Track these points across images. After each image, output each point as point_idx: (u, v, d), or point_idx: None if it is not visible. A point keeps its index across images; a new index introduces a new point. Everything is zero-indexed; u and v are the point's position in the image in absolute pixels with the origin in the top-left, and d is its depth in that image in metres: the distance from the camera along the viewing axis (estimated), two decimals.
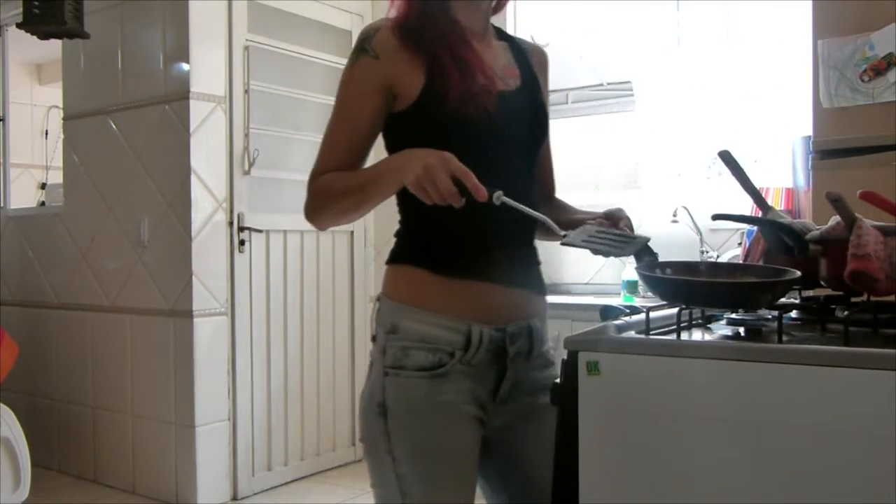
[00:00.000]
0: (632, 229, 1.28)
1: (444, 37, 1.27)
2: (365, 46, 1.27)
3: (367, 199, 1.25)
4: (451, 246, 1.27)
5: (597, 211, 1.32)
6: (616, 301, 2.81)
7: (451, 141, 1.18)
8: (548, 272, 3.38)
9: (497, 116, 1.25)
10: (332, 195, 1.27)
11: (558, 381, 1.08)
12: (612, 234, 1.24)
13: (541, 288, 1.37)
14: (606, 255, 1.23)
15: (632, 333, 1.06)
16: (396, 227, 1.34)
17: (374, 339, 1.30)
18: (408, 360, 1.23)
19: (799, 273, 1.12)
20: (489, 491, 1.37)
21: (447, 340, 1.23)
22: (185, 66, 3.24)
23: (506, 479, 1.35)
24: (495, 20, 1.41)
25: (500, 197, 1.13)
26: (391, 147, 1.30)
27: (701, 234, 3.17)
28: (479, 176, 1.11)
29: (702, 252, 3.15)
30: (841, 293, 1.22)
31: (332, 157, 1.29)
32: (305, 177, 1.31)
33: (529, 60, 1.40)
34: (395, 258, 1.31)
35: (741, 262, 1.82)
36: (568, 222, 1.35)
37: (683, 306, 1.07)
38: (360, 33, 1.30)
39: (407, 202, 1.27)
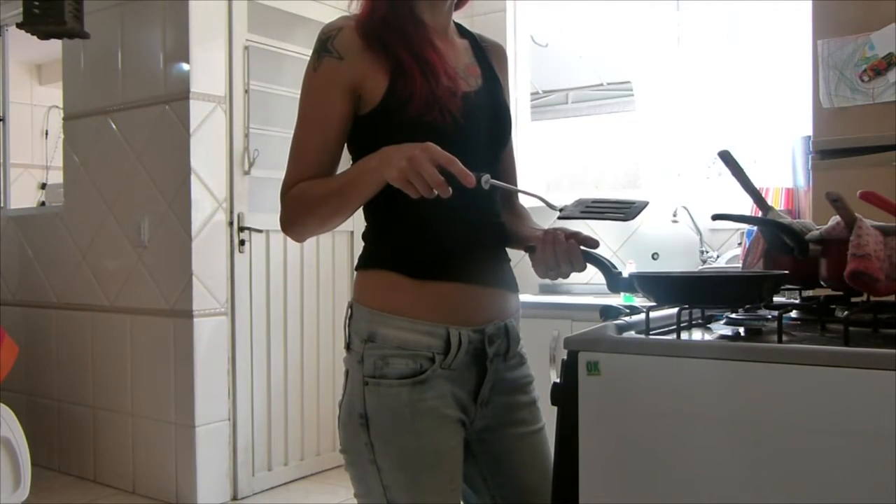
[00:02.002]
0: (589, 245, 1.21)
1: (407, 37, 1.23)
2: (328, 47, 1.22)
3: (346, 204, 1.19)
4: (424, 248, 1.24)
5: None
6: (616, 301, 2.80)
7: None
8: None
9: (461, 119, 1.22)
10: (309, 204, 1.21)
11: (558, 381, 1.08)
12: (610, 201, 1.22)
13: (514, 286, 1.35)
14: (612, 220, 1.20)
15: (632, 333, 1.06)
16: None
17: (347, 347, 1.26)
18: (388, 369, 1.20)
19: (786, 272, 1.12)
20: (471, 494, 1.36)
21: (426, 345, 1.21)
22: (185, 66, 3.24)
23: (488, 480, 1.34)
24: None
25: (488, 180, 1.11)
26: (354, 151, 1.27)
27: (701, 234, 3.17)
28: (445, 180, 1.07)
29: (702, 252, 3.15)
30: (841, 293, 1.22)
31: (303, 165, 1.23)
32: None
33: (489, 58, 1.38)
34: (367, 263, 1.27)
35: (741, 261, 1.82)
36: (521, 234, 1.34)
37: (682, 306, 1.07)
38: (320, 33, 1.24)
39: (374, 205, 1.23)
